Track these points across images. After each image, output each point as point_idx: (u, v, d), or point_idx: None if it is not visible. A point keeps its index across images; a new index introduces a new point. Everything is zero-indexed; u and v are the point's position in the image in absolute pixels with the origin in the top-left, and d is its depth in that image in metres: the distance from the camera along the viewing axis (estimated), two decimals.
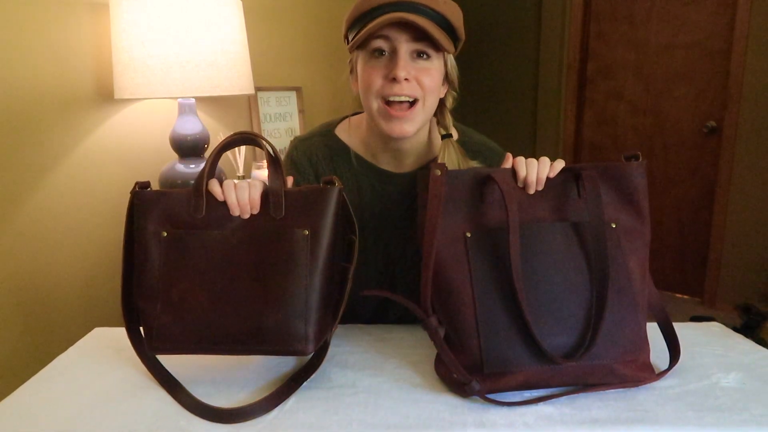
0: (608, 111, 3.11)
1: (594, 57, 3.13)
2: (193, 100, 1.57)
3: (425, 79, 0.85)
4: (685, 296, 2.96)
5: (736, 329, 0.89)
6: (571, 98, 3.23)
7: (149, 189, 0.76)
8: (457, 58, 0.91)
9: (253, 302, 0.71)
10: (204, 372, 0.78)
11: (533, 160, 0.76)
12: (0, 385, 1.28)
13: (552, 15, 3.28)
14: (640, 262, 0.75)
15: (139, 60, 1.35)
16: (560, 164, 0.76)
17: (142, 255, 0.74)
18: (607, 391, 0.70)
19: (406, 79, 0.83)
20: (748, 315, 2.40)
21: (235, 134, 0.76)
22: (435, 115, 0.94)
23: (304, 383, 0.74)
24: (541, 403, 0.68)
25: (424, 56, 0.85)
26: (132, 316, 0.78)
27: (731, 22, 2.57)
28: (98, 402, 0.71)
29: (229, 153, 1.77)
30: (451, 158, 0.91)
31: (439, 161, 0.91)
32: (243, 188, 0.73)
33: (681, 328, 0.80)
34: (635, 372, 0.71)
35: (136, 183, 0.76)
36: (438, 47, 0.84)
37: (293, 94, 2.33)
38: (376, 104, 0.86)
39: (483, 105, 3.72)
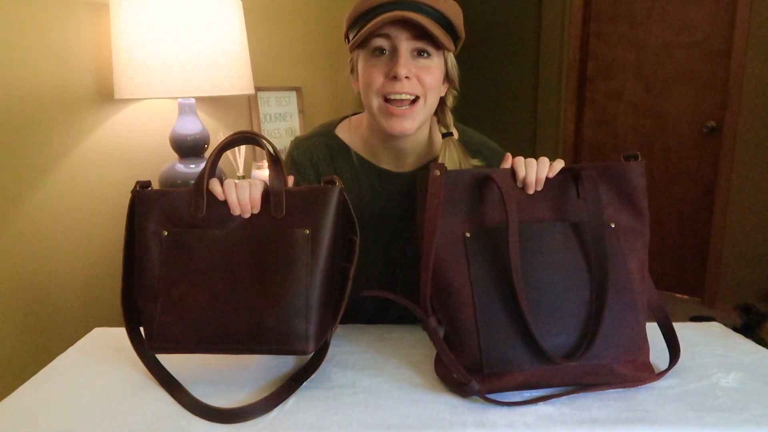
0: (608, 111, 3.11)
1: (594, 57, 3.13)
2: (193, 100, 1.57)
3: (426, 77, 0.85)
4: (685, 296, 2.96)
5: (736, 329, 0.89)
6: (571, 98, 3.23)
7: (150, 188, 0.76)
8: (457, 58, 0.91)
9: (253, 301, 0.71)
10: (204, 372, 0.78)
11: (532, 160, 0.76)
12: (0, 385, 1.28)
13: (552, 15, 3.28)
14: (640, 262, 0.75)
15: (139, 60, 1.35)
16: (560, 164, 0.76)
17: (143, 254, 0.74)
18: (607, 391, 0.70)
19: (406, 77, 0.83)
20: (748, 315, 2.40)
21: (235, 134, 0.76)
22: (435, 113, 0.94)
23: (304, 383, 0.74)
24: (541, 403, 0.68)
25: (425, 54, 0.85)
26: (132, 316, 0.78)
27: (731, 22, 2.57)
28: (98, 402, 0.71)
29: (229, 153, 1.77)
30: (452, 157, 0.91)
31: (440, 160, 0.91)
32: (244, 188, 0.73)
33: (681, 328, 0.80)
34: (635, 372, 0.71)
35: (137, 182, 0.76)
36: (438, 45, 0.84)
37: (293, 94, 2.33)
38: (376, 102, 0.87)
39: (483, 105, 3.72)
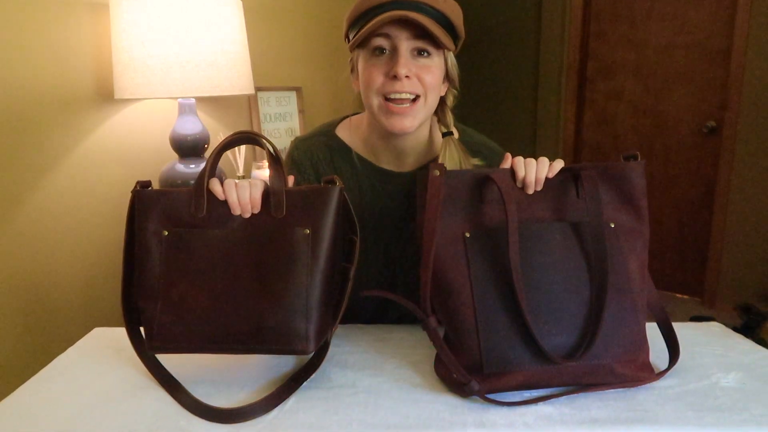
0: (608, 111, 3.11)
1: (594, 57, 3.13)
2: (193, 100, 1.57)
3: (426, 76, 0.85)
4: (685, 296, 2.96)
5: (736, 329, 0.89)
6: (571, 98, 3.23)
7: (150, 188, 0.76)
8: (457, 58, 0.92)
9: (253, 301, 0.71)
10: (204, 372, 0.78)
11: (532, 161, 0.76)
12: (0, 385, 1.28)
13: (552, 15, 3.28)
14: (640, 261, 0.75)
15: (139, 60, 1.35)
16: (559, 164, 0.76)
17: (143, 254, 0.74)
18: (607, 391, 0.70)
19: (407, 77, 0.84)
20: (748, 315, 2.40)
21: (235, 133, 0.76)
22: (436, 113, 0.95)
23: (304, 383, 0.74)
24: (541, 403, 0.68)
25: (425, 54, 0.85)
26: (132, 316, 0.78)
27: (731, 22, 2.57)
28: (98, 402, 0.71)
29: (229, 153, 1.77)
30: (453, 156, 0.91)
31: (440, 159, 0.91)
32: (244, 187, 0.73)
33: (681, 328, 0.80)
34: (635, 372, 0.71)
35: (137, 182, 0.76)
36: (438, 44, 0.84)
37: (293, 94, 2.33)
38: (377, 101, 0.87)
39: (483, 105, 3.72)
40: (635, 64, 2.94)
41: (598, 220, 0.72)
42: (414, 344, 0.86)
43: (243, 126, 2.11)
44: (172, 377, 0.75)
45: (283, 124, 2.28)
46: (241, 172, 1.76)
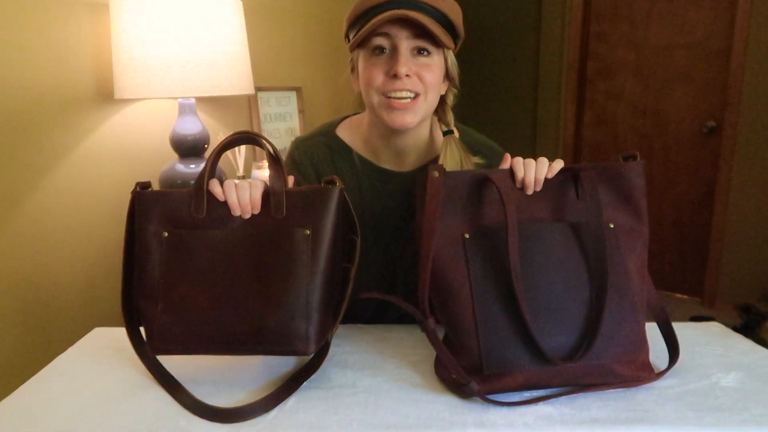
0: (608, 111, 3.11)
1: (594, 57, 3.13)
2: (193, 100, 1.57)
3: (426, 75, 0.85)
4: (685, 296, 2.96)
5: (736, 329, 0.89)
6: (571, 98, 3.23)
7: (150, 189, 0.76)
8: (457, 58, 0.92)
9: (254, 302, 0.71)
10: (204, 372, 0.78)
11: (531, 161, 0.76)
12: (0, 385, 1.28)
13: (552, 15, 3.28)
14: (639, 262, 0.75)
15: (139, 60, 1.35)
16: (559, 165, 0.76)
17: (143, 255, 0.74)
18: (607, 391, 0.70)
19: (407, 75, 0.84)
20: (748, 315, 2.40)
21: (235, 134, 0.76)
22: (436, 112, 0.95)
23: (304, 383, 0.74)
24: (541, 403, 0.68)
25: (425, 53, 0.85)
26: (132, 317, 0.78)
27: (731, 22, 2.57)
28: (98, 402, 0.71)
29: (229, 153, 1.77)
30: (453, 155, 0.91)
31: (441, 158, 0.91)
32: (244, 188, 0.73)
33: (681, 328, 0.80)
34: (635, 372, 0.71)
35: (137, 183, 0.76)
36: (438, 43, 0.84)
37: (293, 94, 2.33)
38: (377, 99, 0.87)
39: (483, 105, 3.72)
40: (635, 64, 2.94)
41: (598, 220, 0.72)
42: (414, 344, 0.86)
43: (243, 126, 2.11)
44: (172, 377, 0.75)
45: (283, 124, 2.28)
46: (241, 172, 1.76)
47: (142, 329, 0.76)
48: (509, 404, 0.68)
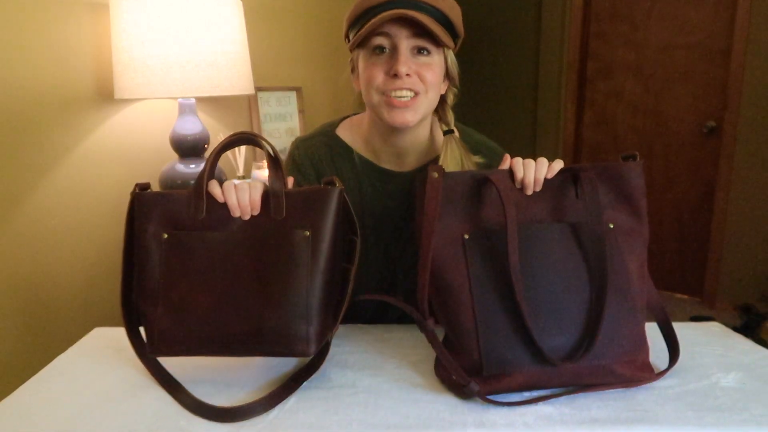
0: (608, 111, 3.11)
1: (594, 57, 3.13)
2: (193, 100, 1.57)
3: (426, 74, 0.85)
4: (685, 296, 2.96)
5: (736, 329, 0.89)
6: (571, 98, 3.23)
7: (149, 190, 0.76)
8: (457, 58, 0.92)
9: (254, 303, 0.71)
10: (204, 372, 0.78)
11: (531, 161, 0.76)
12: (0, 385, 1.28)
13: (552, 15, 3.28)
14: (639, 262, 0.75)
15: (139, 60, 1.35)
16: (558, 165, 0.76)
17: (143, 257, 0.74)
18: (607, 391, 0.70)
19: (407, 75, 0.84)
20: (748, 315, 2.40)
21: (234, 134, 0.76)
22: (436, 111, 0.95)
23: (304, 383, 0.74)
24: (541, 403, 0.68)
25: (425, 52, 0.86)
26: (132, 318, 0.78)
27: (731, 22, 2.57)
28: (98, 402, 0.71)
29: (229, 153, 1.77)
30: (454, 154, 0.92)
31: (441, 157, 0.91)
32: (243, 189, 0.73)
33: (681, 328, 0.80)
34: (635, 372, 0.71)
35: (136, 185, 0.75)
36: (438, 42, 0.84)
37: (293, 95, 2.33)
38: (377, 98, 0.87)
39: (483, 105, 3.72)
40: (635, 64, 2.95)
41: (598, 220, 0.72)
42: (414, 344, 0.86)
43: (243, 126, 2.11)
44: (172, 377, 0.75)
45: (283, 124, 2.28)
46: (241, 172, 1.76)
47: (142, 330, 0.76)
48: (509, 404, 0.68)
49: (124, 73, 1.38)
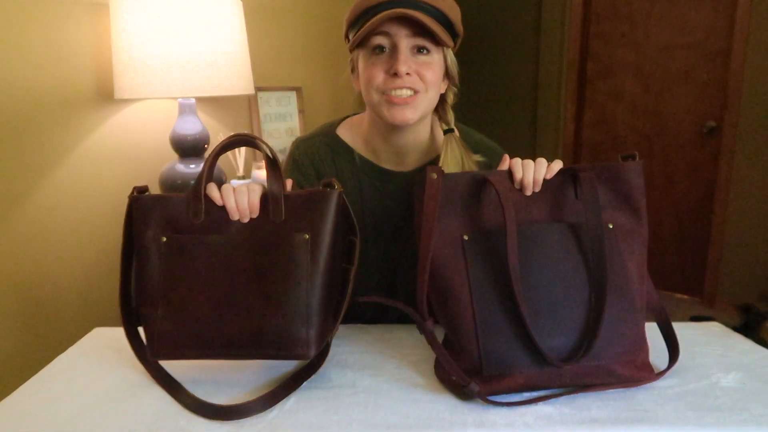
0: (608, 111, 3.11)
1: (594, 57, 3.13)
2: (193, 100, 1.57)
3: (426, 73, 0.85)
4: (685, 296, 2.96)
5: (736, 329, 0.89)
6: (571, 98, 3.23)
7: (147, 194, 0.75)
8: (457, 58, 0.92)
9: (254, 306, 0.70)
10: (204, 372, 0.78)
11: (530, 162, 0.76)
12: (0, 385, 1.28)
13: (552, 15, 3.28)
14: (639, 262, 0.75)
15: (139, 60, 1.35)
16: (557, 165, 0.76)
17: (142, 260, 0.73)
18: (607, 391, 0.70)
19: (407, 74, 0.84)
20: (748, 315, 2.40)
21: (232, 136, 0.76)
22: (436, 110, 0.95)
23: (304, 383, 0.74)
24: (541, 403, 0.68)
25: (424, 51, 0.86)
26: (131, 320, 0.78)
27: (731, 22, 2.57)
28: (98, 402, 0.71)
29: (229, 153, 1.77)
30: (454, 153, 0.92)
31: (441, 157, 0.91)
32: (242, 193, 0.73)
33: (681, 328, 0.80)
34: (634, 372, 0.71)
35: (134, 188, 0.75)
36: (438, 41, 0.85)
37: (293, 95, 2.33)
38: (377, 97, 0.87)
39: (483, 105, 3.72)
40: (635, 64, 2.94)
41: (597, 221, 0.72)
42: (414, 344, 0.86)
43: (243, 126, 2.11)
44: (172, 377, 0.75)
45: (283, 124, 2.28)
46: (241, 173, 1.76)
47: (141, 331, 0.76)
48: (509, 404, 0.68)
49: (124, 73, 1.38)
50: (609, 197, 0.76)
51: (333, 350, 0.83)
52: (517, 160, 0.77)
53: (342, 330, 0.91)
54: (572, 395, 0.69)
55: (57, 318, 1.44)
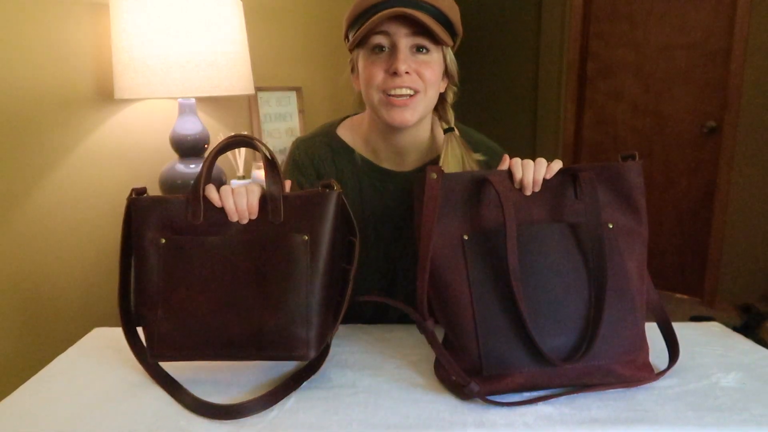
0: (608, 111, 3.11)
1: (594, 57, 3.13)
2: (193, 100, 1.57)
3: (426, 72, 0.86)
4: (685, 296, 2.96)
5: (736, 329, 0.89)
6: (571, 98, 3.23)
7: (146, 195, 0.75)
8: (457, 58, 0.92)
9: (253, 308, 0.70)
10: (204, 372, 0.78)
11: (529, 162, 0.76)
12: (0, 385, 1.28)
13: (552, 15, 3.28)
14: (638, 262, 0.75)
15: (139, 60, 1.35)
16: (557, 165, 0.76)
17: (141, 262, 0.73)
18: (607, 391, 0.70)
19: (406, 73, 0.84)
20: (748, 315, 2.40)
21: (230, 137, 0.76)
22: (436, 109, 0.95)
23: (304, 383, 0.74)
24: (541, 403, 0.68)
25: (424, 50, 0.86)
26: (130, 320, 0.78)
27: (731, 22, 2.57)
28: (98, 402, 0.71)
29: (229, 154, 1.77)
30: (455, 153, 0.92)
31: (442, 156, 0.91)
32: (241, 194, 0.73)
33: (681, 328, 0.80)
34: (634, 372, 0.71)
35: (133, 189, 0.75)
36: (437, 40, 0.85)
37: (293, 95, 2.33)
38: (377, 96, 0.87)
39: (483, 105, 3.72)
40: (635, 64, 2.94)
41: (597, 220, 0.72)
42: (414, 344, 0.86)
43: (243, 126, 2.11)
44: (172, 378, 0.75)
45: (283, 124, 2.28)
46: (240, 173, 1.76)
47: (141, 332, 0.76)
48: (509, 404, 0.68)
49: (124, 73, 1.38)
50: (609, 197, 0.76)
51: (333, 350, 0.83)
52: (517, 160, 0.77)
53: (342, 330, 0.91)
54: (572, 395, 0.69)
55: (57, 318, 1.44)
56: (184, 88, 1.37)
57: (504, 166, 0.78)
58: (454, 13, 0.87)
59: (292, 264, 0.70)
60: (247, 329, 0.70)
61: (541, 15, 3.35)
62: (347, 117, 1.04)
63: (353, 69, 0.94)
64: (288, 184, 0.77)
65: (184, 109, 1.55)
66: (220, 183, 0.75)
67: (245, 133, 1.39)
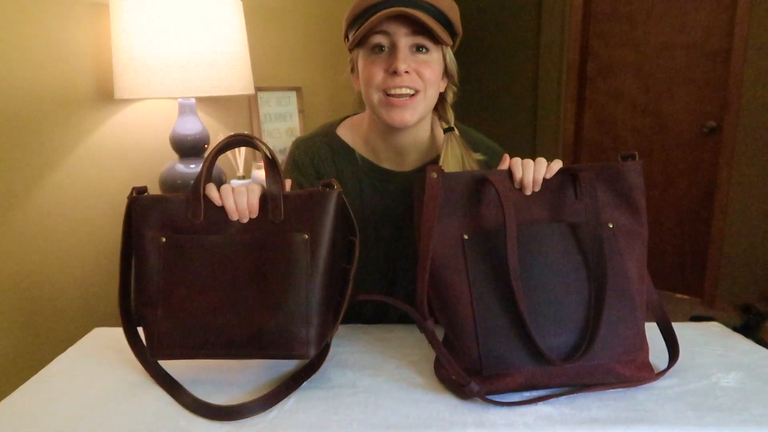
0: (608, 111, 3.11)
1: (594, 57, 3.13)
2: (193, 100, 1.57)
3: (425, 72, 0.86)
4: (685, 296, 2.96)
5: (736, 329, 0.89)
6: (571, 98, 3.23)
7: (146, 194, 0.75)
8: (457, 58, 0.92)
9: (253, 307, 0.70)
10: (204, 372, 0.78)
11: (529, 162, 0.76)
12: (0, 385, 1.29)
13: (552, 15, 3.28)
14: (638, 261, 0.75)
15: (139, 60, 1.35)
16: (557, 165, 0.76)
17: (142, 261, 0.73)
18: (607, 391, 0.70)
19: (406, 72, 0.84)
20: (748, 315, 2.40)
21: (230, 137, 0.76)
22: (436, 109, 0.95)
23: (304, 383, 0.74)
24: (541, 403, 0.68)
25: (423, 50, 0.86)
26: (130, 321, 0.78)
27: (731, 21, 2.57)
28: (98, 402, 0.71)
29: (229, 153, 1.77)
30: (455, 152, 0.92)
31: (442, 155, 0.91)
32: (241, 193, 0.73)
33: (681, 328, 0.80)
34: (634, 372, 0.71)
35: (133, 188, 0.75)
36: (437, 40, 0.85)
37: (293, 94, 2.33)
38: (377, 96, 0.87)
39: (483, 104, 3.72)
40: (635, 64, 2.95)
41: (596, 220, 0.72)
42: (414, 344, 0.86)
43: (243, 126, 2.11)
44: (172, 377, 0.75)
45: (283, 124, 2.28)
46: (241, 172, 1.76)
47: (141, 332, 0.76)
48: (509, 404, 0.68)
49: (124, 73, 1.38)
50: (609, 197, 0.76)
51: (333, 350, 0.83)
52: (517, 160, 0.77)
53: (342, 330, 0.91)
54: (572, 395, 0.69)
55: (57, 318, 1.44)
56: (184, 88, 1.37)
57: (504, 165, 0.78)
58: (453, 13, 0.87)
59: (293, 263, 0.71)
60: (247, 328, 0.70)
61: (541, 15, 3.35)
62: (347, 117, 1.04)
63: (353, 69, 0.94)
64: (288, 183, 0.77)
65: (184, 109, 1.55)
66: (220, 183, 0.75)
67: (245, 132, 1.39)
